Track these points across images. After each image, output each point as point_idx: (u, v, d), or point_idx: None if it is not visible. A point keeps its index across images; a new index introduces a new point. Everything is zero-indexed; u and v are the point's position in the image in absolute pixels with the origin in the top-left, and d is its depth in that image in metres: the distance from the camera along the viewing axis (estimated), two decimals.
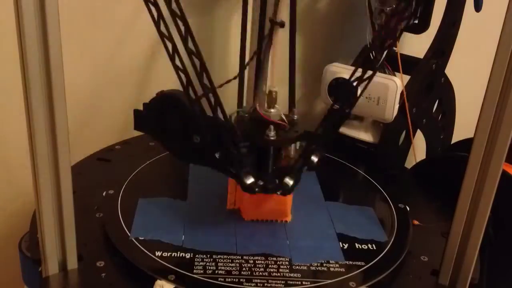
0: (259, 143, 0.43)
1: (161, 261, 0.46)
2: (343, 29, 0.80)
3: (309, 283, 0.45)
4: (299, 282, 0.45)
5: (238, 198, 0.54)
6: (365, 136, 0.68)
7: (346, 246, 0.50)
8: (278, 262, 0.47)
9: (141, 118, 0.44)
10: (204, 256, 0.47)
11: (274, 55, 0.45)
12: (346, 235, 0.52)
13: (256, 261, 0.47)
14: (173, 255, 0.47)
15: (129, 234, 0.49)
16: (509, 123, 0.40)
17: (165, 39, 0.39)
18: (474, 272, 0.46)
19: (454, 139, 0.76)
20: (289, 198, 0.52)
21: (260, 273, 0.45)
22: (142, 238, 0.48)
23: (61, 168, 0.41)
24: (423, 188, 0.64)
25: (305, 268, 0.47)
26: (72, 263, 0.44)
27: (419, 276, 0.48)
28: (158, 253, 0.47)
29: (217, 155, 0.41)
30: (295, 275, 0.46)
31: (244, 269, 0.46)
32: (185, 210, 0.54)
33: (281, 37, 0.44)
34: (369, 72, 0.44)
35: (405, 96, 0.63)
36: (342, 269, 0.47)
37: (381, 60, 0.48)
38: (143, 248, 0.47)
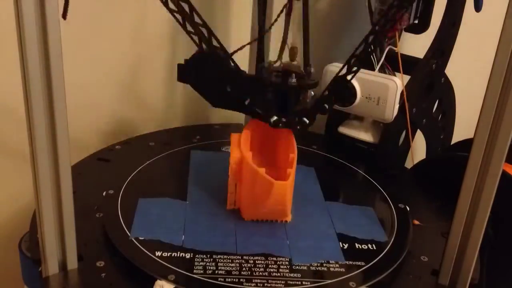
0: (283, 88, 0.51)
1: (161, 261, 0.46)
2: (343, 29, 0.80)
3: (309, 283, 0.45)
4: (299, 282, 0.45)
5: (238, 198, 0.54)
6: (365, 136, 0.68)
7: (346, 246, 0.50)
8: (278, 262, 0.47)
9: (182, 71, 0.51)
10: (204, 256, 0.47)
11: (295, 15, 0.53)
12: (346, 235, 0.52)
13: (256, 261, 0.47)
14: (173, 255, 0.47)
15: (129, 234, 0.49)
16: (509, 123, 0.40)
17: (175, 14, 0.47)
18: (474, 272, 0.46)
19: (454, 139, 0.76)
20: (289, 198, 0.52)
21: (260, 273, 0.45)
22: (142, 238, 0.48)
23: (61, 168, 0.41)
24: (423, 188, 0.64)
25: (305, 268, 0.47)
26: (72, 263, 0.44)
27: (419, 276, 0.48)
28: (158, 253, 0.47)
29: (246, 102, 0.50)
30: (295, 275, 0.46)
31: (244, 269, 0.46)
32: (185, 210, 0.54)
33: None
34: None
35: (405, 96, 0.63)
36: (342, 269, 0.47)
37: (370, 54, 0.51)
38: (143, 248, 0.47)
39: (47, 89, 0.38)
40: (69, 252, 0.44)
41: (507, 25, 0.38)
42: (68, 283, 0.44)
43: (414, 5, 0.65)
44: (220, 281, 0.44)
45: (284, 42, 0.54)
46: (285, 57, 0.54)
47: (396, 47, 0.65)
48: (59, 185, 0.41)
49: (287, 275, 0.45)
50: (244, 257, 0.47)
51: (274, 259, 0.47)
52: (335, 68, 0.66)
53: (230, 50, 0.50)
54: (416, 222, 0.56)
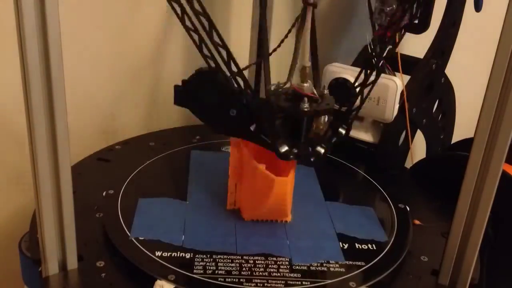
0: (294, 114, 0.46)
1: (161, 261, 0.46)
2: (343, 29, 0.80)
3: (309, 283, 0.45)
4: (299, 282, 0.45)
5: (238, 198, 0.54)
6: (365, 136, 0.68)
7: (346, 246, 0.50)
8: (278, 262, 0.47)
9: (180, 93, 0.47)
10: (204, 256, 0.47)
11: (307, 33, 0.48)
12: (346, 235, 0.52)
13: (256, 261, 0.47)
14: (173, 255, 0.47)
15: (129, 234, 0.49)
16: (509, 123, 0.40)
17: (191, 32, 0.42)
18: (474, 272, 0.46)
19: (454, 139, 0.76)
20: (290, 196, 0.52)
21: (260, 273, 0.45)
22: (142, 238, 0.48)
23: (61, 168, 0.41)
24: (423, 188, 0.64)
25: (305, 268, 0.47)
26: (72, 263, 0.44)
27: (419, 276, 0.48)
28: (158, 253, 0.47)
29: (252, 128, 0.45)
30: (295, 275, 0.46)
31: (244, 269, 0.46)
32: (185, 210, 0.54)
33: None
34: (372, 76, 0.46)
35: (405, 96, 0.63)
36: (342, 269, 0.47)
37: (380, 60, 0.49)
38: (143, 248, 0.47)
39: (47, 89, 0.38)
40: (69, 252, 0.44)
41: (507, 25, 0.38)
42: (68, 283, 0.44)
43: (414, 5, 0.65)
44: (220, 281, 0.44)
45: (294, 61, 0.48)
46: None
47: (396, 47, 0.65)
48: (59, 185, 0.41)
49: (287, 275, 0.45)
50: (244, 257, 0.47)
51: (274, 259, 0.47)
52: (335, 68, 0.66)
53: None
54: (417, 222, 0.56)
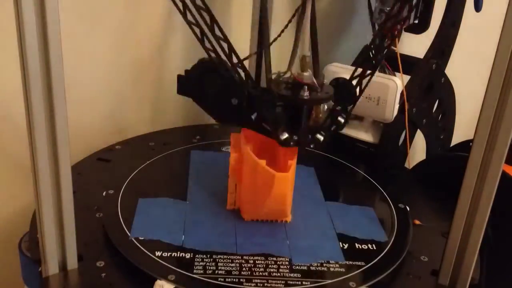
0: (294, 102, 0.47)
1: (161, 261, 0.46)
2: (343, 29, 0.80)
3: (309, 283, 0.45)
4: (299, 282, 0.45)
5: (238, 198, 0.54)
6: (365, 136, 0.68)
7: (346, 246, 0.50)
8: (278, 262, 0.47)
9: (183, 82, 0.48)
10: (204, 256, 0.47)
11: (307, 23, 0.49)
12: (346, 235, 0.52)
13: (256, 261, 0.47)
14: (173, 255, 0.47)
15: (129, 234, 0.49)
16: (509, 123, 0.40)
17: (193, 26, 0.43)
18: (474, 272, 0.46)
19: (454, 139, 0.76)
20: (289, 195, 0.52)
21: (260, 273, 0.45)
22: (142, 238, 0.48)
23: (61, 168, 0.41)
24: (423, 188, 0.64)
25: (305, 268, 0.47)
26: (72, 263, 0.44)
27: (419, 276, 0.48)
28: (158, 253, 0.47)
29: (253, 117, 0.46)
30: (295, 275, 0.46)
31: (244, 269, 0.46)
32: (185, 210, 0.54)
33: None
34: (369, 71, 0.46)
35: (405, 96, 0.63)
36: (342, 269, 0.47)
37: (381, 59, 0.49)
38: (143, 248, 0.47)
39: (47, 89, 0.38)
40: (69, 252, 0.44)
41: (507, 25, 0.38)
42: (68, 283, 0.44)
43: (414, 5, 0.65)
44: (220, 281, 0.44)
45: (295, 50, 0.49)
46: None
47: (396, 47, 0.65)
48: (59, 185, 0.41)
49: (287, 275, 0.45)
50: (244, 257, 0.47)
51: (274, 259, 0.47)
52: (335, 68, 0.66)
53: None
54: (417, 222, 0.56)
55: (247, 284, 0.44)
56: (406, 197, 0.60)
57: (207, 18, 0.43)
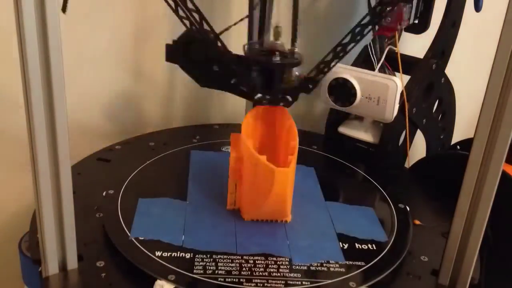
0: (267, 65, 0.53)
1: (161, 261, 0.46)
2: (343, 29, 0.80)
3: (309, 283, 0.45)
4: (299, 282, 0.45)
5: (238, 198, 0.54)
6: (365, 136, 0.68)
7: (346, 246, 0.50)
8: (278, 262, 0.47)
9: (170, 50, 0.52)
10: (204, 256, 0.47)
11: None
12: (346, 235, 0.52)
13: (256, 261, 0.47)
14: (173, 255, 0.47)
15: (129, 234, 0.49)
16: (509, 123, 0.40)
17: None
18: (474, 272, 0.46)
19: (454, 139, 0.76)
20: (289, 198, 0.52)
21: (260, 273, 0.45)
22: (142, 238, 0.48)
23: (61, 168, 0.41)
24: (423, 188, 0.64)
25: (305, 268, 0.47)
26: (72, 263, 0.44)
27: (419, 276, 0.48)
28: (158, 253, 0.47)
29: (232, 81, 0.51)
30: (295, 275, 0.46)
31: (244, 269, 0.46)
32: (185, 210, 0.54)
33: None
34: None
35: (405, 96, 0.63)
36: (342, 269, 0.47)
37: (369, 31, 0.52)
38: (143, 248, 0.47)
39: (47, 89, 0.38)
40: (69, 252, 0.44)
41: (507, 25, 0.38)
42: (68, 283, 0.44)
43: (414, 5, 0.65)
44: (220, 281, 0.44)
45: (268, 21, 0.57)
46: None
47: (396, 47, 0.65)
48: (59, 185, 0.41)
49: (287, 275, 0.45)
50: (244, 257, 0.47)
51: (274, 259, 0.47)
52: (335, 68, 0.65)
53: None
54: (417, 222, 0.56)
55: (247, 284, 0.44)
56: (406, 197, 0.60)
57: None
